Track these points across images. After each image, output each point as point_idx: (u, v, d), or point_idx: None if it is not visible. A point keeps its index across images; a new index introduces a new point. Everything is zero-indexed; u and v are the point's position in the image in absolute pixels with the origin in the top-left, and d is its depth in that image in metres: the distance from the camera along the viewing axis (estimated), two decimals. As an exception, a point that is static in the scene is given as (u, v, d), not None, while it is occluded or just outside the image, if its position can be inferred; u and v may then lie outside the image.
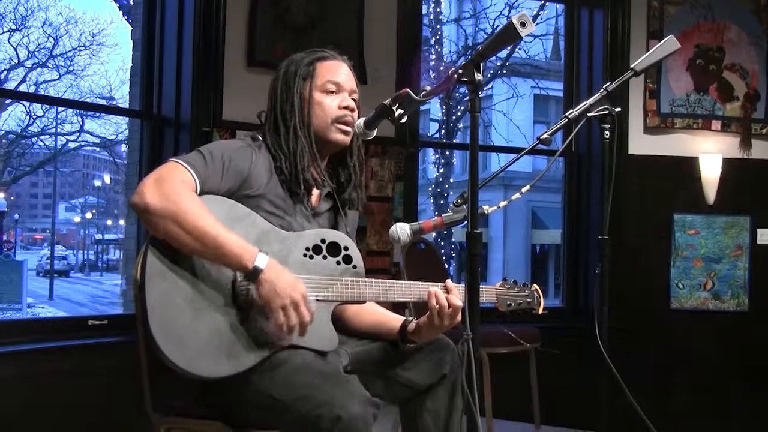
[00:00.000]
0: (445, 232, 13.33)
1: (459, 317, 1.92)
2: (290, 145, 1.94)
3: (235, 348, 1.73)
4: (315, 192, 2.04)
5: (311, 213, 2.01)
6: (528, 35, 1.63)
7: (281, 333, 1.72)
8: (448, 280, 1.98)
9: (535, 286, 2.18)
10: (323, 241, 1.91)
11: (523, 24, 1.58)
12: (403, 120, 1.87)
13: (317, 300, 1.85)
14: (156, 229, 1.71)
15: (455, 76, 1.69)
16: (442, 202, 13.68)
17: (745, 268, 4.53)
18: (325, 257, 1.90)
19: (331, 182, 2.06)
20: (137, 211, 1.72)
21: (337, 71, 2.03)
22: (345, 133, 2.00)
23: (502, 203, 1.98)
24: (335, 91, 2.01)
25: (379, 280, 1.94)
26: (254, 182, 1.88)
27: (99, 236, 30.73)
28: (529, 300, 2.14)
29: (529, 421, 3.87)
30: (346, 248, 1.93)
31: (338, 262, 1.91)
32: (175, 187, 1.71)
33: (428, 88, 1.83)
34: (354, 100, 2.03)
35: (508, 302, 2.12)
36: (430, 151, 14.47)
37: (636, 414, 2.22)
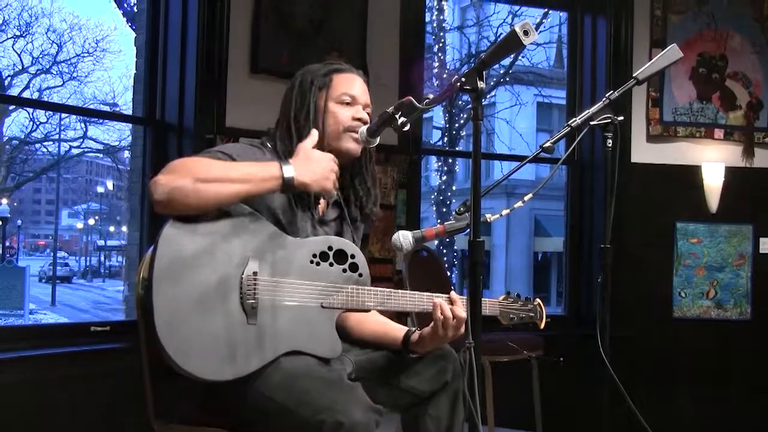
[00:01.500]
0: (448, 239, 13.32)
1: (463, 329, 1.92)
2: None
3: (239, 351, 1.72)
4: (322, 200, 2.04)
5: (317, 220, 2.01)
6: (531, 43, 1.63)
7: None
8: (453, 292, 1.98)
9: (538, 300, 2.20)
10: (330, 248, 1.90)
11: (525, 32, 1.57)
12: (406, 128, 1.87)
13: (322, 306, 1.85)
14: (190, 197, 1.69)
15: (458, 84, 1.68)
16: (444, 209, 13.70)
17: (748, 276, 4.53)
18: (331, 264, 1.90)
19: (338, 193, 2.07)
20: (161, 202, 1.69)
21: (353, 84, 2.04)
22: (357, 141, 2.00)
23: (505, 211, 1.99)
24: (350, 103, 2.02)
25: (384, 290, 1.94)
26: None
27: (101, 242, 30.81)
28: (531, 314, 2.17)
29: (531, 429, 3.85)
30: (352, 256, 1.92)
31: (344, 270, 1.91)
32: (179, 161, 1.76)
33: (431, 95, 1.83)
34: (368, 114, 2.04)
35: (511, 316, 2.14)
36: (433, 158, 14.51)
37: (638, 422, 2.22)
